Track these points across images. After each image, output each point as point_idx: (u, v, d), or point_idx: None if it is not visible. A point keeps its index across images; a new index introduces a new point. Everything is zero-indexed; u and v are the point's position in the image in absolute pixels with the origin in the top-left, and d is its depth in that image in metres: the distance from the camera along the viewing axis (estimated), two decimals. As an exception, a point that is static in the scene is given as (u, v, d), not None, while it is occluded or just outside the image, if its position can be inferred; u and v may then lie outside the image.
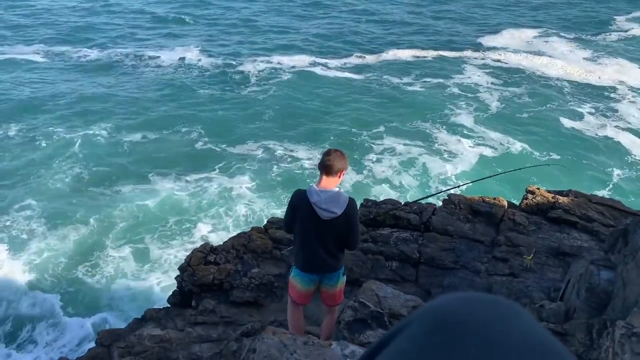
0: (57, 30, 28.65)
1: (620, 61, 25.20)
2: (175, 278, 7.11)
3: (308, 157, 16.41)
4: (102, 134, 17.75)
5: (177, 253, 12.23)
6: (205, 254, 6.78)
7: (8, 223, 13.18)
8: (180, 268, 6.96)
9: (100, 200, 14.19)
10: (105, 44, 26.60)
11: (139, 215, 13.61)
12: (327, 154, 4.21)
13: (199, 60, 24.41)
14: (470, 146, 17.28)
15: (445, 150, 17.00)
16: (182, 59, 24.53)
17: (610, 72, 23.80)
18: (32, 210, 13.67)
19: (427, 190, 14.43)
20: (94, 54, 25.33)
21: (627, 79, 23.05)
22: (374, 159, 16.49)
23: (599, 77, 23.23)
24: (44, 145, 17.03)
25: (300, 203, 4.18)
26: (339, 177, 4.18)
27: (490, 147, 17.30)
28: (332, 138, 17.69)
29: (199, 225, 13.39)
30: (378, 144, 17.42)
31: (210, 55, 24.94)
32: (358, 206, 8.18)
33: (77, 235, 12.75)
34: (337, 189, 4.16)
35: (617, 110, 20.28)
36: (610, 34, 28.84)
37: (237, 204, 14.36)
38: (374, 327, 4.23)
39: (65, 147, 16.85)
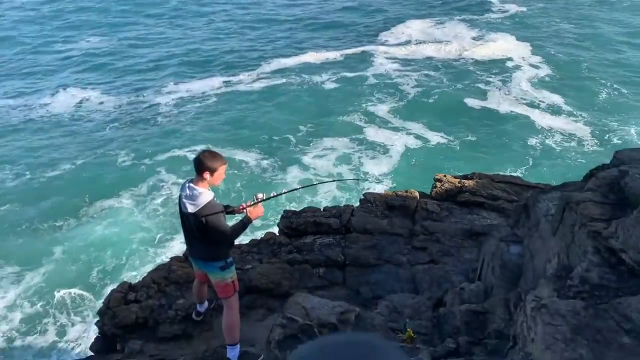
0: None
1: (506, 36, 27.59)
2: (96, 323, 6.68)
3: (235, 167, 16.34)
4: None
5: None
6: (124, 293, 6.43)
7: None
8: (100, 312, 6.55)
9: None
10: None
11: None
12: (199, 153, 4.54)
13: (101, 102, 22.35)
14: (389, 137, 18.17)
15: (369, 144, 17.77)
16: (80, 102, 22.36)
17: (502, 47, 25.98)
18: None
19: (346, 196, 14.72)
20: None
21: (514, 52, 25.23)
22: (303, 163, 16.90)
23: (493, 53, 25.30)
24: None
25: (179, 193, 4.68)
26: (205, 176, 4.43)
27: (411, 135, 18.33)
28: (260, 145, 17.90)
29: (114, 264, 12.85)
30: (306, 147, 17.87)
31: (112, 95, 23.05)
32: (279, 218, 8.21)
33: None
34: (203, 188, 4.47)
35: (513, 84, 21.99)
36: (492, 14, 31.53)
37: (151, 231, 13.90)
38: (304, 341, 4.20)
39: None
